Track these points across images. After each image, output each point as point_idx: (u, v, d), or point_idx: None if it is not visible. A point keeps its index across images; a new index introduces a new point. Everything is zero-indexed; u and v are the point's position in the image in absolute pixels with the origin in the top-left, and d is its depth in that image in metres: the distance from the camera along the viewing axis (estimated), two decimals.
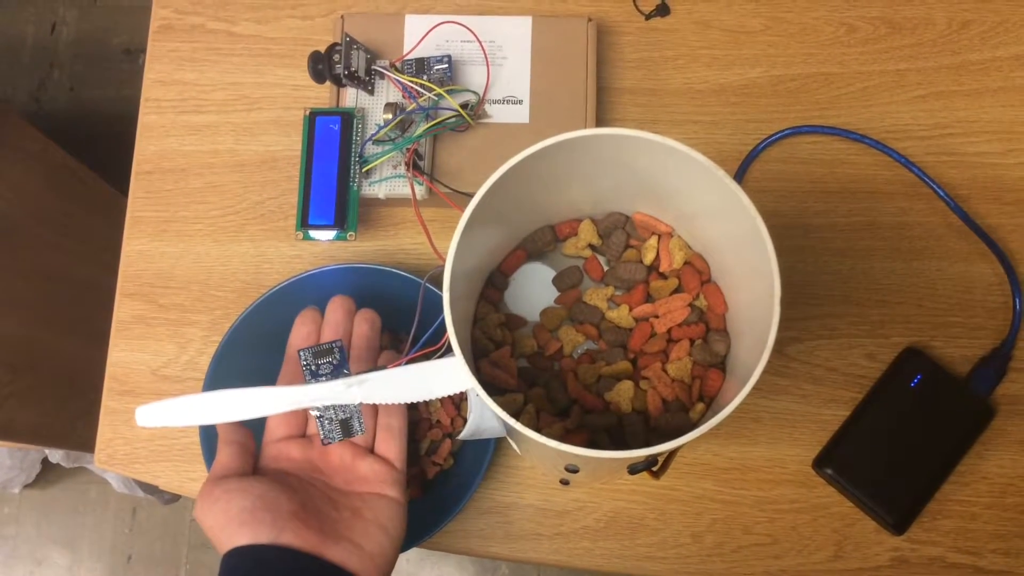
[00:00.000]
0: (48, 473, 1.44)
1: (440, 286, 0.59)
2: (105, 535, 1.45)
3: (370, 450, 0.52)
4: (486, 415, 0.50)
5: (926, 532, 0.61)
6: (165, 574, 1.41)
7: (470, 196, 0.41)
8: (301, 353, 0.50)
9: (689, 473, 0.63)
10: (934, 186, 0.66)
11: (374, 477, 0.50)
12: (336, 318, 0.53)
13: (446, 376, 0.48)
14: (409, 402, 0.49)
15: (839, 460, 0.61)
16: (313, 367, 0.50)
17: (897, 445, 0.61)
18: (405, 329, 0.64)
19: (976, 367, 0.63)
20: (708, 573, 0.61)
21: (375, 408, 0.53)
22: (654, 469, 0.48)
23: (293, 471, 0.50)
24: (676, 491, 0.63)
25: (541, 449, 0.49)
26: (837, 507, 0.62)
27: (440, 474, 0.62)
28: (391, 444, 0.52)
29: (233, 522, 0.44)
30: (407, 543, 0.57)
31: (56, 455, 1.23)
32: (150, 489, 1.24)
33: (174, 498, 1.34)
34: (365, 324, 0.53)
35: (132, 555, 1.42)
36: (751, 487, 0.63)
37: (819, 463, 0.62)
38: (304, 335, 0.53)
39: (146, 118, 0.72)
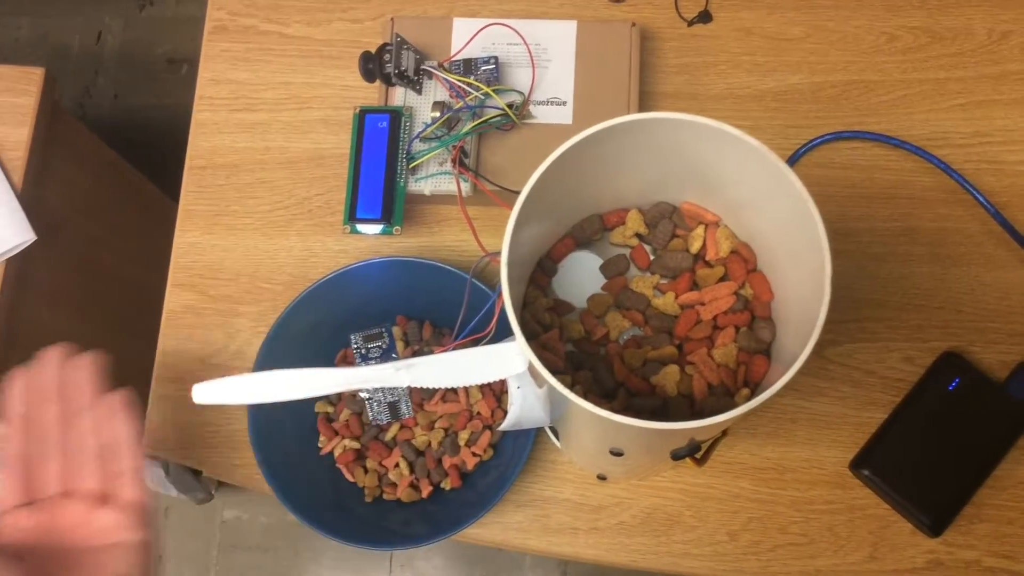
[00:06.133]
0: None
1: (484, 279, 0.60)
2: None
3: (110, 496, 0.50)
4: (527, 405, 0.50)
5: (962, 535, 0.61)
6: (195, 574, 1.42)
7: (515, 193, 0.42)
8: (352, 337, 0.52)
9: (726, 472, 0.63)
10: (974, 192, 0.66)
11: (113, 526, 0.49)
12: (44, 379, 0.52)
13: (493, 361, 0.49)
14: (454, 386, 0.50)
15: (876, 462, 0.61)
16: (363, 351, 0.52)
17: (934, 448, 0.61)
18: (447, 323, 0.65)
19: (1014, 372, 0.63)
20: (743, 571, 0.62)
21: (106, 459, 0.51)
22: (697, 456, 0.49)
23: (24, 541, 0.48)
24: (713, 489, 0.63)
25: (587, 432, 0.50)
26: (873, 509, 0.62)
27: (479, 465, 0.63)
28: (131, 487, 0.50)
29: None
30: (446, 531, 0.58)
31: None
32: (184, 488, 1.25)
33: (207, 497, 1.36)
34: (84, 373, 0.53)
35: (163, 555, 1.44)
36: (788, 487, 0.63)
37: (856, 464, 0.62)
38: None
39: (200, 115, 0.74)
